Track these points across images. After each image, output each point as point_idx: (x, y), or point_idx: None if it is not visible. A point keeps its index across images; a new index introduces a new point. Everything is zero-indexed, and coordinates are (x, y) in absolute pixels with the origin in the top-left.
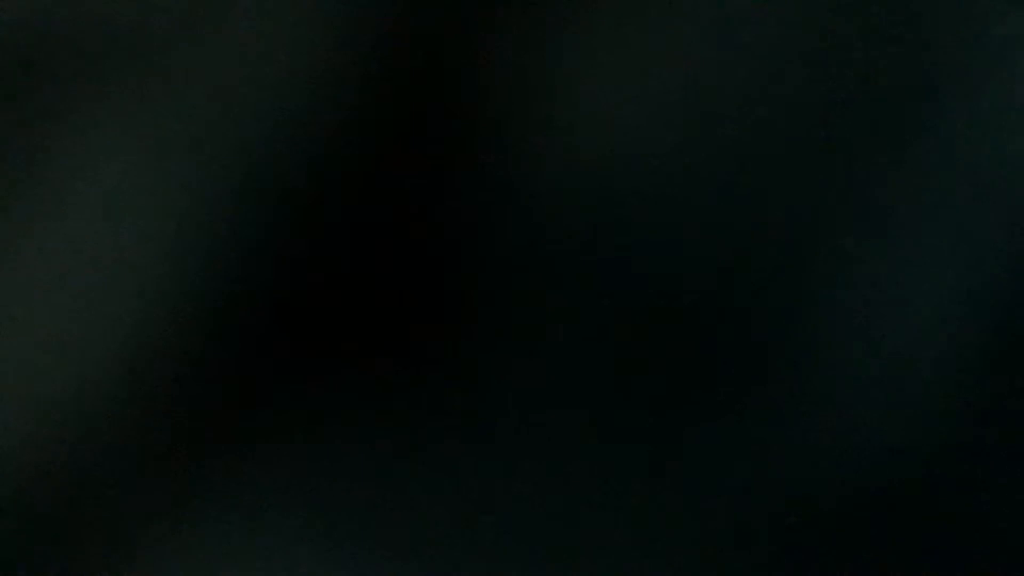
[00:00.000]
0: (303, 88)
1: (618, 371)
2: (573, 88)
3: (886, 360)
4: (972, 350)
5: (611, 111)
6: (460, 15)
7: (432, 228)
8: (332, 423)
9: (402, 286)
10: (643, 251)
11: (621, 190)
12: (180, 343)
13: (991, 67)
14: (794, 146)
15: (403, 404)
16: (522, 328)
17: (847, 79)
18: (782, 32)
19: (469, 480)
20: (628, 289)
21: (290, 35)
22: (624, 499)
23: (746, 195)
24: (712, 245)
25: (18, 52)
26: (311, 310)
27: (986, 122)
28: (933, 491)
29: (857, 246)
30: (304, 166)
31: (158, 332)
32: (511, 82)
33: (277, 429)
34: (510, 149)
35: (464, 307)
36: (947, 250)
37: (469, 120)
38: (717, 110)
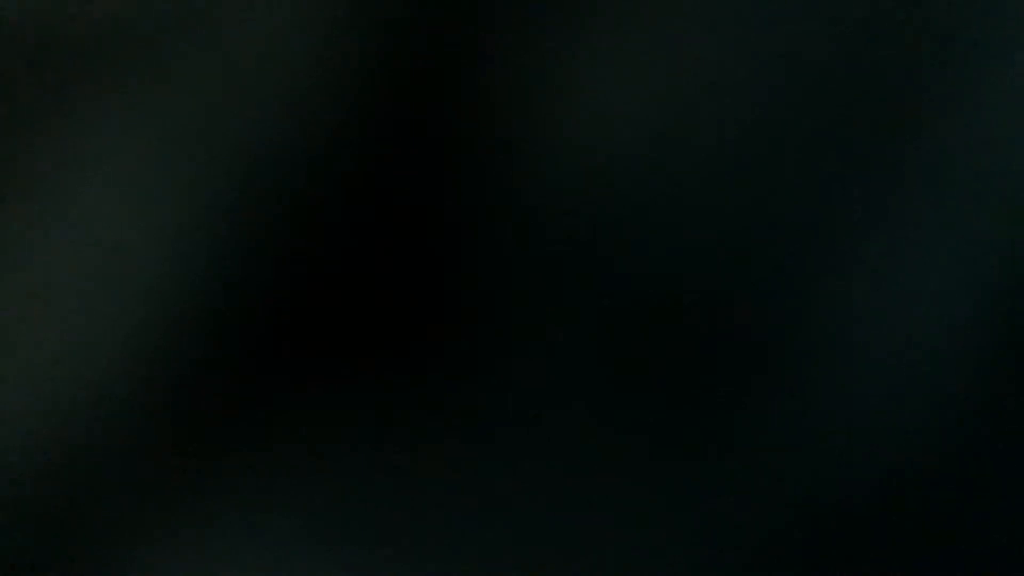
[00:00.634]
0: (303, 88)
1: (618, 371)
2: (573, 88)
3: (886, 359)
4: (973, 349)
5: (611, 111)
6: (460, 15)
7: (432, 228)
8: (332, 423)
9: (402, 286)
10: (643, 251)
11: (621, 190)
12: (180, 343)
13: (991, 66)
14: (794, 146)
15: (403, 404)
16: (522, 328)
17: (847, 79)
18: (782, 32)
19: (469, 480)
20: (628, 289)
21: (290, 35)
22: (624, 498)
23: (746, 195)
24: (712, 244)
25: (18, 52)
26: (312, 310)
27: (987, 121)
28: (934, 490)
29: (858, 246)
30: (305, 166)
31: (159, 332)
32: (511, 82)
33: (277, 429)
34: (510, 149)
35: (464, 307)
36: (948, 249)
37: (469, 120)
38: (717, 110)
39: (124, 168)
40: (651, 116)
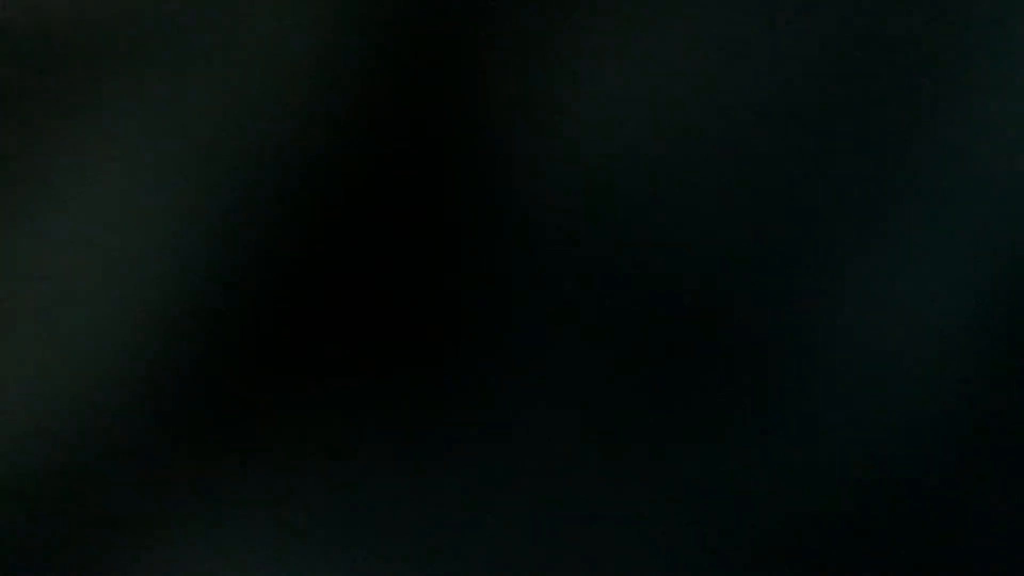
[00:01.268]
0: (304, 89)
1: (618, 371)
2: (573, 88)
3: (886, 360)
4: (973, 349)
5: (611, 111)
6: (460, 15)
7: (432, 228)
8: (333, 424)
9: (402, 286)
10: (643, 251)
11: (621, 190)
12: (181, 342)
13: (992, 66)
14: (794, 146)
15: (404, 405)
16: (522, 328)
17: (847, 79)
18: (782, 32)
19: (469, 479)
20: (628, 289)
21: (291, 35)
22: (624, 499)
23: (746, 196)
24: (712, 245)
25: (19, 51)
26: (312, 310)
27: (987, 121)
28: (933, 490)
29: (857, 246)
30: (305, 168)
31: (159, 331)
32: (511, 82)
33: (278, 429)
34: (510, 148)
35: (464, 307)
36: (948, 250)
37: (469, 120)
38: (717, 110)
39: (124, 168)
40: (651, 116)
